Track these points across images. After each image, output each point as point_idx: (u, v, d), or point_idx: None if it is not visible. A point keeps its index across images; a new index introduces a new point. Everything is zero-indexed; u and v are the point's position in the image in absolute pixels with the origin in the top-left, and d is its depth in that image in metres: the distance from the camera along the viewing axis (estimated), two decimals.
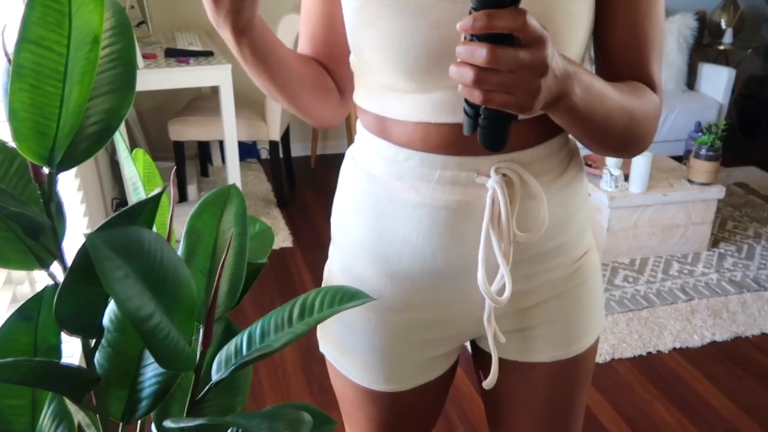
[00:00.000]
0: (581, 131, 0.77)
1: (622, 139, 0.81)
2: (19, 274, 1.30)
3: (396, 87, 0.81)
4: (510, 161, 0.82)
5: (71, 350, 1.40)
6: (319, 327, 1.00)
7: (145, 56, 3.04)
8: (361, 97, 0.89)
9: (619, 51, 0.83)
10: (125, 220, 0.59)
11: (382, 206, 0.87)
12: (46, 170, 0.63)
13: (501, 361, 0.93)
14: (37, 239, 0.64)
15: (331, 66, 0.93)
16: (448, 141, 0.82)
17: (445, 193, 0.83)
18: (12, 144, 0.61)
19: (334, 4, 0.88)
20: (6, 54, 0.59)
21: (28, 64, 0.55)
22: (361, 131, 0.92)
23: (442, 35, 0.75)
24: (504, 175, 0.82)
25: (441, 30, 0.75)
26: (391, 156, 0.86)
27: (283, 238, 3.32)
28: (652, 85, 0.84)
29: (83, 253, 0.59)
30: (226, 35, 0.78)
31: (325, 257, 1.02)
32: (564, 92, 0.67)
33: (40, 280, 1.42)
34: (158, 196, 0.61)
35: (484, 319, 0.87)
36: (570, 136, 0.91)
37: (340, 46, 0.90)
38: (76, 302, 0.61)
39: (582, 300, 0.94)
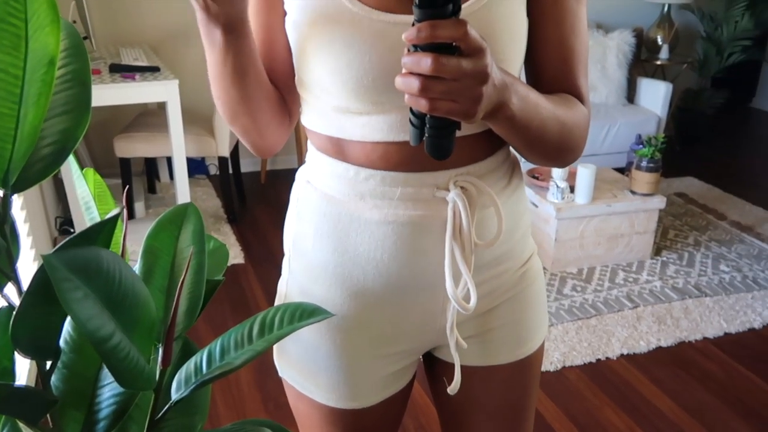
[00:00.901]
0: (519, 140, 0.81)
1: (557, 147, 0.85)
2: None
3: (351, 109, 0.82)
4: (465, 174, 0.85)
5: (18, 372, 1.35)
6: (277, 352, 1.00)
7: None
8: (312, 120, 0.89)
9: (548, 66, 0.88)
10: (83, 241, 0.59)
11: (343, 227, 0.88)
12: (0, 192, 0.62)
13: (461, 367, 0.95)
14: None
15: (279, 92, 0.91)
16: (407, 158, 0.84)
17: (407, 209, 0.85)
18: None
19: (275, 31, 0.87)
20: None
21: None
22: (314, 153, 0.92)
23: (397, 59, 0.77)
24: (462, 187, 0.85)
25: (397, 53, 0.76)
26: (351, 176, 0.86)
27: (234, 255, 3.29)
28: (580, 97, 0.89)
29: (40, 275, 0.58)
30: (214, 36, 0.77)
31: (277, 272, 1.02)
32: (503, 101, 0.71)
33: None
34: (116, 217, 0.61)
35: (446, 328, 0.89)
36: (510, 149, 0.95)
37: (284, 73, 0.89)
38: (33, 324, 0.61)
39: (530, 301, 0.99)
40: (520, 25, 0.83)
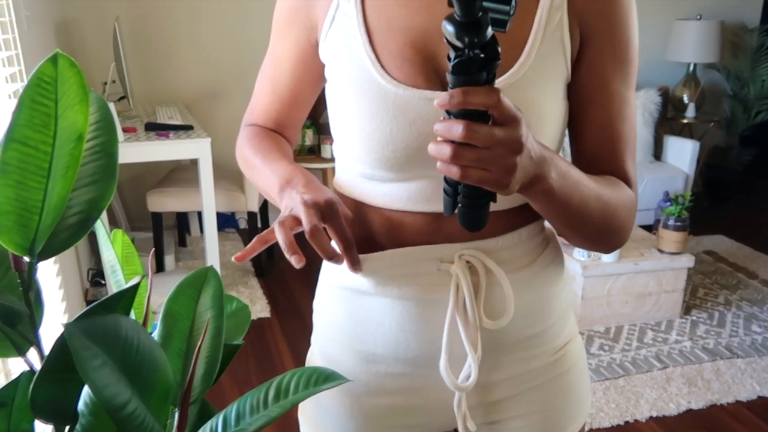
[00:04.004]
0: (558, 217, 0.79)
1: (599, 229, 0.82)
2: None
3: (375, 176, 0.85)
4: (474, 249, 0.84)
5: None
6: (300, 409, 1.00)
7: (125, 130, 3.08)
8: (341, 183, 0.92)
9: (593, 148, 0.86)
10: (103, 309, 0.61)
11: (357, 292, 0.89)
12: (26, 259, 0.65)
13: None
14: (14, 327, 0.66)
15: (283, 133, 1.01)
16: (420, 229, 0.85)
17: (411, 284, 0.85)
18: None
19: (306, 85, 0.94)
20: None
21: (13, 161, 0.58)
22: None
23: (419, 131, 0.79)
24: (467, 261, 0.83)
25: (418, 126, 0.79)
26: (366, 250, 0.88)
27: (260, 308, 3.31)
28: (626, 180, 0.86)
29: (61, 342, 0.60)
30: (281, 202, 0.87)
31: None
32: (540, 174, 0.69)
33: (15, 370, 1.40)
34: (136, 286, 0.64)
35: (454, 404, 0.87)
36: (545, 227, 0.93)
37: (297, 120, 1.00)
38: (52, 390, 0.62)
39: (564, 390, 0.93)
40: (553, 109, 0.82)
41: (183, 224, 4.17)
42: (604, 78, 0.83)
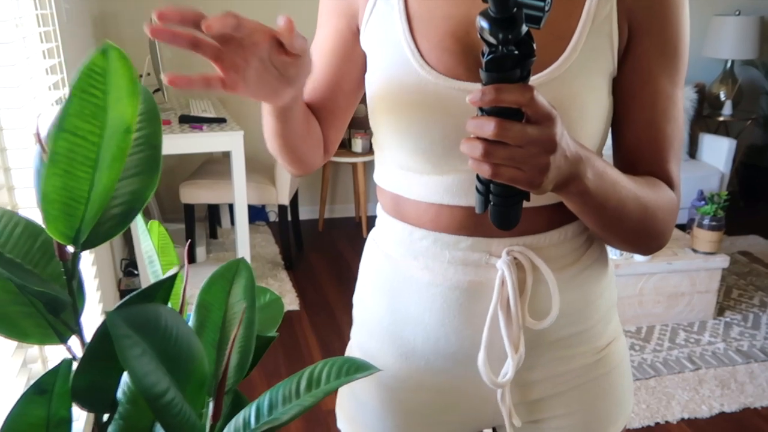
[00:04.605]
0: (594, 218, 0.78)
1: (637, 231, 0.81)
2: (32, 353, 1.33)
3: (412, 168, 0.84)
4: (522, 245, 0.83)
5: (75, 415, 1.39)
6: (338, 403, 1.01)
7: None
8: (380, 176, 0.92)
9: (636, 147, 0.84)
10: (143, 299, 0.62)
11: (397, 286, 0.89)
12: (70, 249, 0.66)
13: None
14: (57, 315, 0.67)
15: (321, 125, 0.96)
16: (459, 223, 0.84)
17: (456, 273, 0.84)
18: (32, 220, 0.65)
19: (344, 75, 0.92)
20: (39, 140, 0.63)
21: (62, 151, 0.59)
22: (380, 214, 0.95)
23: (456, 123, 0.78)
24: (515, 258, 0.82)
25: (455, 119, 0.78)
26: (406, 236, 0.88)
27: (289, 301, 3.33)
28: (669, 182, 0.84)
29: (102, 330, 0.62)
30: (269, 109, 0.81)
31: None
32: (575, 174, 0.68)
33: (52, 359, 1.43)
34: (174, 276, 0.65)
35: (498, 400, 0.86)
36: None
37: (335, 114, 0.94)
38: (92, 377, 0.64)
39: (606, 391, 0.92)
40: (597, 104, 0.80)
41: (214, 216, 4.21)
42: (651, 75, 0.81)
